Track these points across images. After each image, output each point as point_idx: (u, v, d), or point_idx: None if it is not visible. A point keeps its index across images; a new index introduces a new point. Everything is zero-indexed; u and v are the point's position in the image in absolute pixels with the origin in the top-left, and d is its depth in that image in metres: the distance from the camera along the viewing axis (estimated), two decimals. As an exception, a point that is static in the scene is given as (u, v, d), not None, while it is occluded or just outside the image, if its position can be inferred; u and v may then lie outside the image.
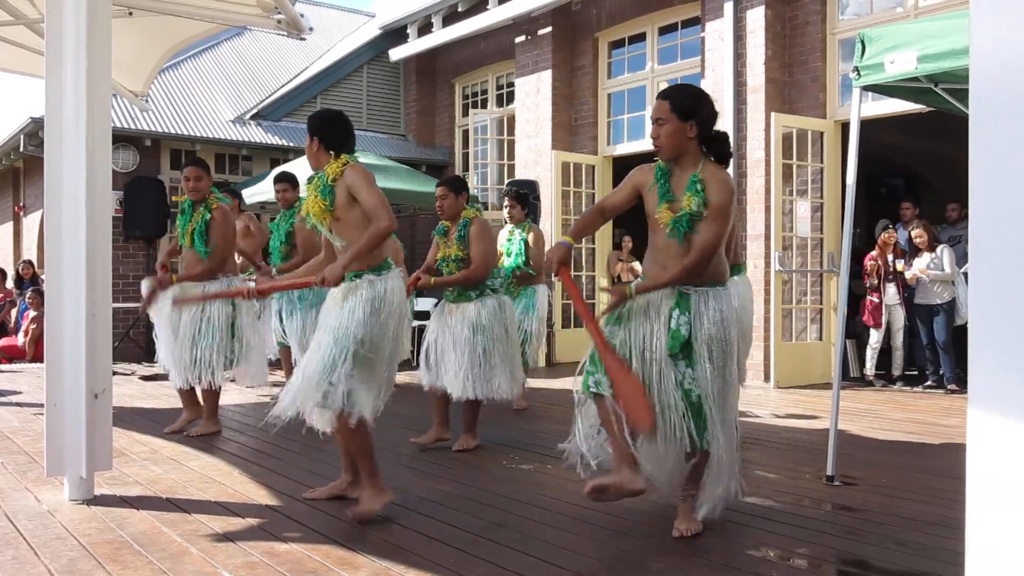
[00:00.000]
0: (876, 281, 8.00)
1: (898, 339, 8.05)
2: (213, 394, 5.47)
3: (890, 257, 8.02)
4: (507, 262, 6.55)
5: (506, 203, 6.74)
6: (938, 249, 7.70)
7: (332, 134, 3.62)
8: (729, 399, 3.28)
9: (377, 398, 3.59)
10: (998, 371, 1.42)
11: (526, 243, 6.51)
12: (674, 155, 3.25)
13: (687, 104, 3.20)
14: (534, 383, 6.85)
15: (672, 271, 3.19)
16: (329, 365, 3.41)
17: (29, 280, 11.07)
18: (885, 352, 8.20)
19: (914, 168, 12.60)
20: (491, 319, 4.85)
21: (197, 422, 5.55)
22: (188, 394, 5.59)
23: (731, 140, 3.51)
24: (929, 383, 7.73)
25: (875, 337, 8.08)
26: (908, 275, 7.78)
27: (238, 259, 6.27)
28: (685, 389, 3.17)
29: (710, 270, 3.21)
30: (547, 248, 6.56)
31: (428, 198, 9.59)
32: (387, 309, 3.51)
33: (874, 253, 8.10)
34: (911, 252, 7.91)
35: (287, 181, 7.03)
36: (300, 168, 9.44)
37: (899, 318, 8.03)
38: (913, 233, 7.84)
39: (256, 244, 7.11)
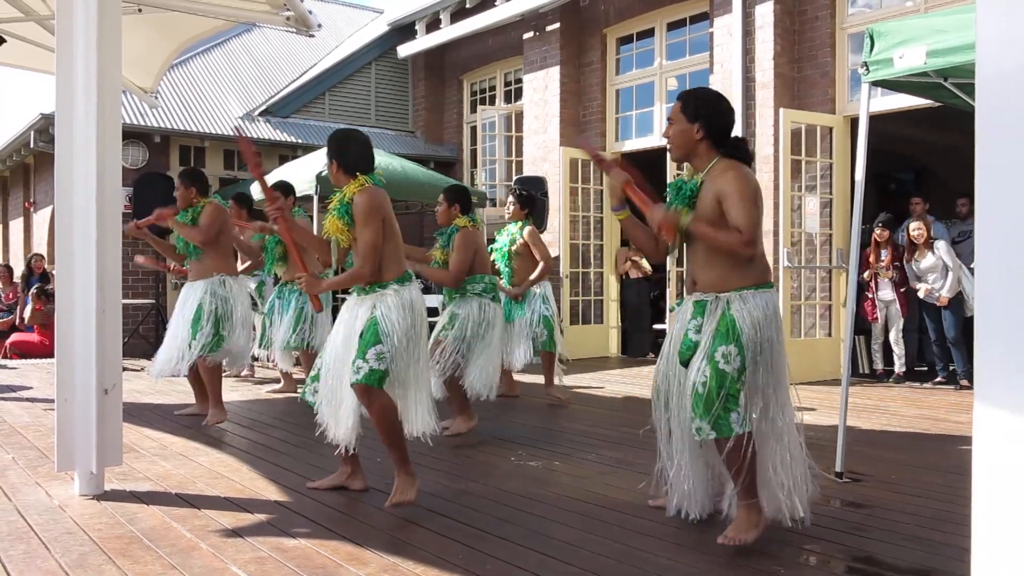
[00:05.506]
0: (867, 279, 7.97)
1: (898, 336, 8.00)
2: (213, 382, 5.54)
3: (884, 253, 7.97)
4: (496, 256, 6.74)
5: (509, 200, 6.84)
6: (935, 245, 7.63)
7: (347, 154, 3.68)
8: (780, 393, 3.21)
9: (405, 399, 3.69)
10: (1005, 367, 1.41)
11: (513, 241, 6.63)
12: (682, 155, 3.30)
13: (695, 106, 3.23)
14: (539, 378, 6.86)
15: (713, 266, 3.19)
16: (361, 349, 3.54)
17: (39, 275, 11.11)
18: (891, 347, 8.17)
19: (924, 163, 12.54)
20: (465, 319, 5.17)
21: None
22: (192, 383, 5.76)
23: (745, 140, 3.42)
24: (939, 379, 7.70)
25: (874, 332, 8.08)
26: (921, 293, 7.71)
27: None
28: (695, 383, 3.11)
29: (736, 273, 3.13)
30: (544, 247, 6.69)
31: (436, 194, 9.59)
32: (412, 317, 3.62)
33: (868, 249, 8.06)
34: (908, 248, 7.84)
35: (281, 189, 7.04)
36: (306, 166, 9.47)
37: (895, 316, 7.97)
38: (911, 226, 7.79)
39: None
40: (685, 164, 3.44)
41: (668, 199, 3.33)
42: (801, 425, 3.34)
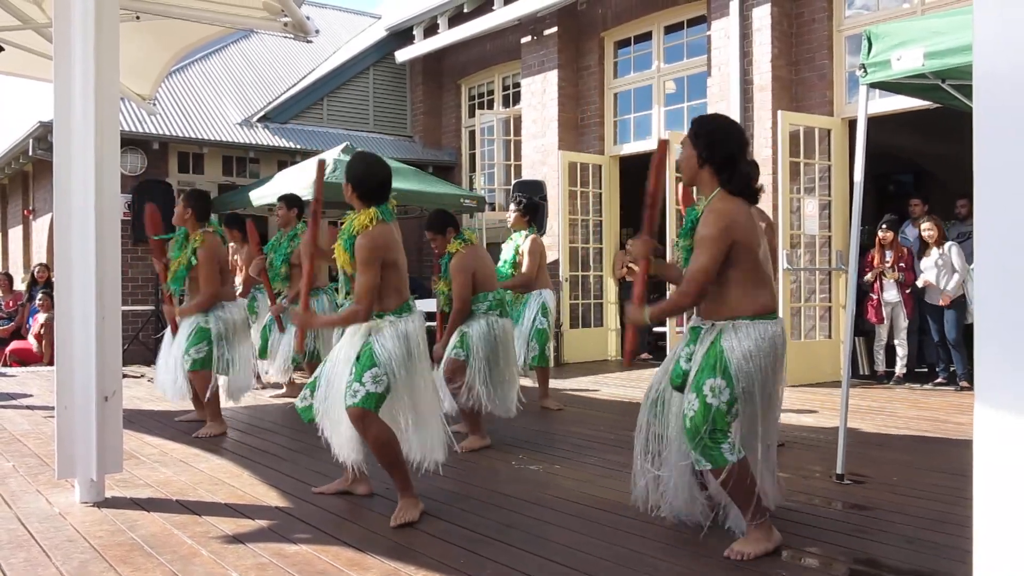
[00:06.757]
0: (871, 280, 7.97)
1: (901, 338, 8.00)
2: (212, 397, 5.50)
3: (888, 255, 7.98)
4: (501, 268, 6.64)
5: (511, 208, 6.77)
6: (945, 246, 7.66)
7: (363, 183, 3.66)
8: (766, 422, 3.19)
9: (401, 425, 3.66)
10: (1004, 368, 1.41)
11: (517, 251, 6.53)
12: (688, 180, 3.29)
13: (696, 131, 3.21)
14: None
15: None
16: (358, 373, 3.53)
17: (44, 283, 11.10)
18: (894, 349, 8.16)
19: (923, 164, 12.56)
20: (477, 339, 5.04)
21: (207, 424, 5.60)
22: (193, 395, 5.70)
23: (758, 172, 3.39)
24: (939, 380, 7.70)
25: (879, 334, 8.07)
26: (920, 282, 7.73)
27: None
28: (684, 415, 3.12)
29: (730, 304, 3.12)
30: (543, 255, 6.59)
31: (434, 199, 9.62)
32: (407, 347, 3.59)
33: (873, 251, 8.07)
34: (920, 248, 7.86)
35: (285, 202, 7.01)
36: (305, 171, 9.47)
37: (900, 317, 7.98)
38: (923, 226, 7.80)
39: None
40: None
41: (683, 223, 3.36)
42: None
